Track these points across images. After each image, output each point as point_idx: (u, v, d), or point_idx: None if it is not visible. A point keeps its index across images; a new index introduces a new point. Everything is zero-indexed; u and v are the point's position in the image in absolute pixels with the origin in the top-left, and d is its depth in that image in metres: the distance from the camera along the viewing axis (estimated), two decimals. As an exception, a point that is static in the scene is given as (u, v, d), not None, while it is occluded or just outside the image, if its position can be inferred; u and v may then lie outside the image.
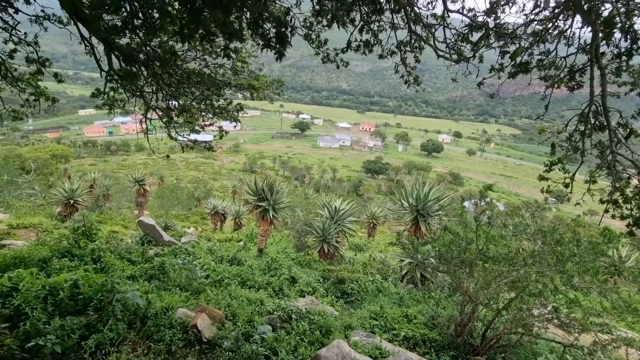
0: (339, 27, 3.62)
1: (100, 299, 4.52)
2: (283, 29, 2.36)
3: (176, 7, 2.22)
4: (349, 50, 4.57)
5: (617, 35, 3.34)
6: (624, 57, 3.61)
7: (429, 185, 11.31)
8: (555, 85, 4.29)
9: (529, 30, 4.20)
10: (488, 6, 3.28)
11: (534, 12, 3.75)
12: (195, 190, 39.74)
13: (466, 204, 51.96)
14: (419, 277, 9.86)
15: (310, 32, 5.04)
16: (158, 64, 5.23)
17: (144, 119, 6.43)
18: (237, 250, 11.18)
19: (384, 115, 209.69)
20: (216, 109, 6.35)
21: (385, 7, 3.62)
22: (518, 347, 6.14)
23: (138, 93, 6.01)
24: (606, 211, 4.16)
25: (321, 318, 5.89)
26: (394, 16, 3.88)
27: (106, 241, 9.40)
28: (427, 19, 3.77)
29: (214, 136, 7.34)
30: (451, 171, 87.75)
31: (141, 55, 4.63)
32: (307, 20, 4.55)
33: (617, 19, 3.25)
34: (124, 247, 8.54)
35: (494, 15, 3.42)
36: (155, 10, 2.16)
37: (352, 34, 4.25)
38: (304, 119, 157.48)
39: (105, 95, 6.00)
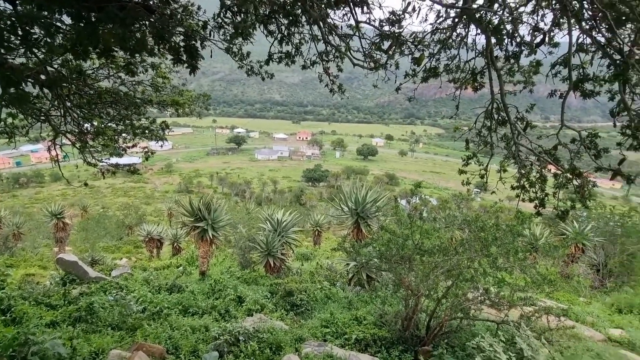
0: (244, 40, 3.62)
1: (12, 355, 3.93)
2: (192, 42, 2.27)
3: (67, 22, 2.02)
4: (271, 62, 4.59)
5: (507, 40, 3.82)
6: (512, 60, 4.12)
7: (366, 188, 11.71)
8: (464, 87, 4.75)
9: (436, 38, 4.59)
10: (387, 16, 3.54)
11: (437, 22, 4.12)
12: (126, 217, 36.68)
13: (403, 202, 54.75)
14: (365, 278, 10.11)
15: (231, 45, 4.96)
16: (64, 84, 4.76)
17: (52, 146, 5.79)
18: (176, 276, 10.51)
19: (319, 123, 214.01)
20: (137, 129, 5.94)
21: (301, 20, 3.71)
22: (459, 332, 6.54)
23: (43, 118, 5.40)
24: (517, 196, 4.65)
25: (270, 335, 5.74)
26: (312, 28, 3.99)
27: (18, 287, 8.27)
28: (341, 29, 3.94)
29: (140, 157, 6.86)
30: (387, 172, 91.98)
31: (42, 76, 4.17)
32: (227, 33, 4.47)
33: (505, 26, 3.71)
34: (41, 290, 7.57)
35: (397, 25, 3.70)
36: (39, 26, 1.93)
37: (272, 45, 4.28)
38: (239, 132, 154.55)
39: (2, 123, 5.31)
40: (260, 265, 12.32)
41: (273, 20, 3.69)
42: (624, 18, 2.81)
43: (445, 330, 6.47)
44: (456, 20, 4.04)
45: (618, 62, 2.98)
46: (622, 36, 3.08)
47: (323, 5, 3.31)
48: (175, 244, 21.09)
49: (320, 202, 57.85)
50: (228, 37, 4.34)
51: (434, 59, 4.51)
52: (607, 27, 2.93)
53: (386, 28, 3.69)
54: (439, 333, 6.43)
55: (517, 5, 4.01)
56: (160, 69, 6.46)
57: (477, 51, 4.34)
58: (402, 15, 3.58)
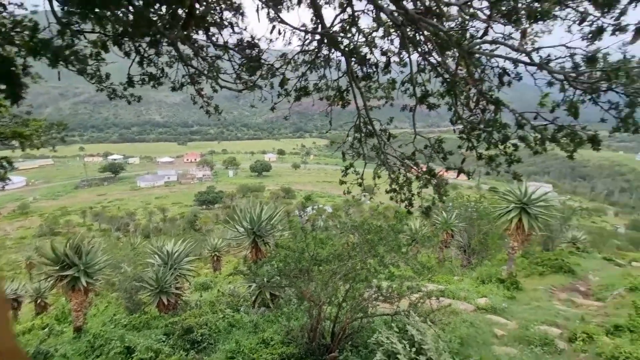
0: (65, 65, 3.26)
1: None
2: (11, 67, 1.90)
3: None
4: (133, 84, 4.21)
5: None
6: (369, 79, 4.66)
7: (260, 205, 11.61)
8: (335, 103, 5.14)
9: (306, 59, 4.87)
10: (235, 41, 3.66)
11: (303, 44, 4.39)
12: (-37, 278, 28.89)
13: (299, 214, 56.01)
14: (268, 297, 9.93)
15: (85, 66, 4.40)
16: None
17: None
18: (40, 340, 8.67)
19: (208, 143, 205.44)
20: (-39, 169, 4.76)
21: (162, 41, 3.50)
22: (361, 331, 6.91)
23: None
24: (391, 198, 5.19)
25: (166, 384, 5.15)
26: (176, 49, 3.80)
27: None
28: (205, 52, 3.87)
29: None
30: (283, 187, 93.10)
31: None
32: (79, 54, 3.95)
33: (361, 49, 4.17)
34: None
35: (257, 48, 3.83)
36: None
37: (130, 67, 3.94)
38: (114, 159, 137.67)
39: None
40: (151, 305, 11.05)
41: (127, 40, 3.40)
42: (446, 45, 3.44)
43: (348, 332, 6.75)
44: (320, 43, 4.36)
45: (447, 80, 3.63)
46: (449, 59, 3.77)
47: (176, 29, 3.18)
48: (39, 301, 17.45)
49: (217, 225, 55.22)
50: (81, 58, 3.83)
51: (303, 79, 4.77)
52: (437, 52, 3.54)
53: (247, 51, 3.76)
54: (343, 337, 6.67)
55: (371, 31, 4.53)
56: (-9, 95, 5.35)
57: (341, 71, 4.77)
58: (257, 40, 3.71)
